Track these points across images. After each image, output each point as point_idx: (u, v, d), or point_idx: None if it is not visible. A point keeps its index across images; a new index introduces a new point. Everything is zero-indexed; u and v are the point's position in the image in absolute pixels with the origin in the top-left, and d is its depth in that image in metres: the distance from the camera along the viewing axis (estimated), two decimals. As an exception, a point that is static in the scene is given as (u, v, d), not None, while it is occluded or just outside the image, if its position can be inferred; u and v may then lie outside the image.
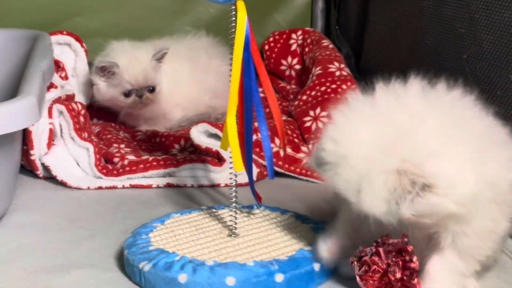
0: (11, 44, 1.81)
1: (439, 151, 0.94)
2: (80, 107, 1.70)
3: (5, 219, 1.40)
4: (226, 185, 1.57)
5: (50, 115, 1.61)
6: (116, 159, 1.64)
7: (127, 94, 1.83)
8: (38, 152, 1.59)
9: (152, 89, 1.85)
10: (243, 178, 1.60)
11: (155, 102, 1.87)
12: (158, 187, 1.60)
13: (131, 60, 1.82)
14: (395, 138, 0.96)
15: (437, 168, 0.92)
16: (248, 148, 1.23)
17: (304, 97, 1.81)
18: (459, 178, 0.93)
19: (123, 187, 1.59)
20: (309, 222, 1.28)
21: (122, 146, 1.74)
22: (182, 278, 1.11)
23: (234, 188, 1.25)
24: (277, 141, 1.62)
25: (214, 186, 1.59)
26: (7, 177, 1.35)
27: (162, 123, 1.93)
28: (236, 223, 1.24)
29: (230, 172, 1.25)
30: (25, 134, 1.57)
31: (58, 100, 1.65)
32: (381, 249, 1.04)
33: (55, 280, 1.17)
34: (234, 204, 1.25)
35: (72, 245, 1.30)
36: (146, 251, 1.18)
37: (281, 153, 1.60)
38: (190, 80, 1.91)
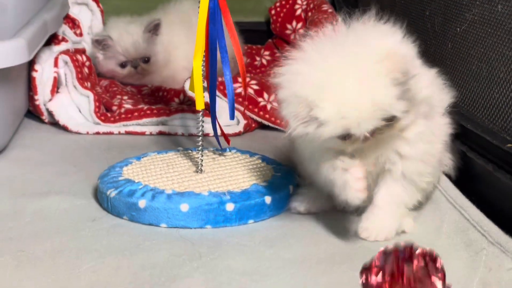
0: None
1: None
2: (85, 59, 1.82)
3: (4, 154, 1.54)
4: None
5: (55, 64, 1.74)
6: (114, 107, 1.76)
7: (122, 65, 1.95)
8: (42, 98, 1.72)
9: (147, 60, 1.96)
10: (232, 129, 1.71)
11: (153, 72, 1.98)
12: (151, 134, 1.71)
13: (123, 33, 1.96)
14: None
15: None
16: (212, 88, 1.33)
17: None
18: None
19: (119, 133, 1.71)
20: (273, 163, 1.37)
21: (125, 98, 1.86)
22: (142, 203, 1.22)
23: (201, 127, 1.35)
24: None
25: (204, 135, 1.69)
26: (1, 115, 1.48)
27: (173, 86, 2.04)
28: (202, 160, 1.34)
29: (198, 113, 1.35)
30: (30, 81, 1.70)
31: (66, 52, 1.78)
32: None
33: (32, 203, 1.29)
34: (201, 142, 1.35)
35: (58, 177, 1.43)
36: (116, 181, 1.29)
37: (247, 92, 1.69)
38: (187, 43, 2.01)
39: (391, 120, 1.04)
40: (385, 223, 1.13)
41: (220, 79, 1.67)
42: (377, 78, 1.01)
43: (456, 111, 1.15)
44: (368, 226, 1.13)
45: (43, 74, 1.72)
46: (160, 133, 1.71)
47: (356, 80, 1.01)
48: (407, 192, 1.14)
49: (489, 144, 1.16)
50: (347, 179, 1.08)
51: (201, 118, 1.35)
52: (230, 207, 1.21)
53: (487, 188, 1.06)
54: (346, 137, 1.05)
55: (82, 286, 1.01)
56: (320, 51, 1.07)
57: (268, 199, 1.24)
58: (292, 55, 1.09)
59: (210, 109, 1.35)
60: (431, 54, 1.41)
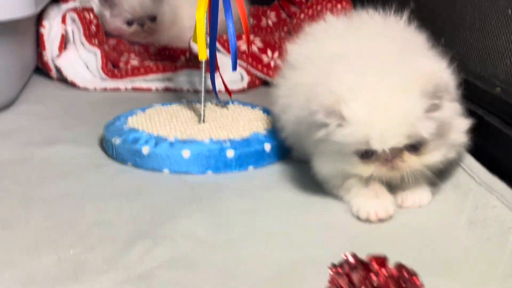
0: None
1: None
2: (92, 17, 1.86)
3: (12, 108, 1.58)
4: (219, 91, 1.70)
5: (63, 21, 1.78)
6: (121, 64, 1.80)
7: (129, 23, 1.98)
8: (50, 54, 1.76)
9: (153, 19, 1.99)
10: (236, 85, 1.74)
11: (160, 31, 2.01)
12: (157, 90, 1.75)
13: None
14: None
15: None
16: (212, 43, 1.36)
17: (302, 16, 1.92)
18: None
19: (126, 89, 1.75)
20: (274, 114, 1.41)
21: (132, 55, 1.89)
22: (145, 150, 1.26)
23: (203, 80, 1.39)
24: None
25: (209, 91, 1.73)
26: (9, 68, 1.52)
27: (179, 45, 2.07)
28: (204, 111, 1.38)
29: (201, 64, 1.38)
30: (38, 37, 1.74)
31: (73, 10, 1.81)
32: (355, 275, 0.80)
33: (40, 151, 1.34)
34: (203, 94, 1.39)
35: (65, 129, 1.47)
36: (120, 129, 1.33)
37: (250, 49, 1.73)
38: (193, 3, 2.02)
39: (417, 145, 1.01)
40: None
41: (225, 36, 1.70)
42: (409, 89, 0.99)
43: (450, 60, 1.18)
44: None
45: (51, 31, 1.76)
46: (166, 89, 1.75)
47: (390, 88, 1.00)
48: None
49: (480, 90, 1.19)
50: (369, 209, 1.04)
51: (203, 70, 1.39)
52: (230, 153, 1.25)
53: (478, 132, 1.09)
54: (364, 154, 1.02)
55: (87, 223, 1.06)
56: (361, 56, 1.06)
57: (267, 147, 1.28)
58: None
59: (210, 64, 1.38)
60: (428, 8, 1.43)
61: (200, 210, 1.10)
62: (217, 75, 1.43)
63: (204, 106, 1.38)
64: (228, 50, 1.70)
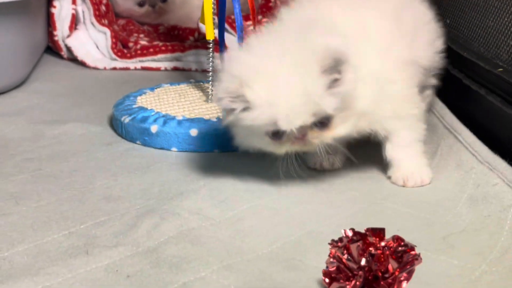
0: None
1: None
2: (102, -4, 1.88)
3: (24, 86, 1.61)
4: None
5: (73, 1, 1.80)
6: (131, 44, 1.82)
7: (141, 4, 1.99)
8: (61, 34, 1.79)
9: None
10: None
11: (170, 12, 2.02)
12: (166, 69, 1.77)
13: None
14: None
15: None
16: (221, 24, 1.38)
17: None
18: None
19: (135, 69, 1.78)
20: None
21: (141, 35, 1.92)
22: (154, 128, 1.29)
23: (211, 59, 1.41)
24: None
25: (216, 71, 1.75)
26: (21, 48, 1.54)
27: (188, 25, 2.09)
28: (212, 91, 1.40)
29: (209, 44, 1.40)
30: (49, 17, 1.77)
31: (83, -10, 1.83)
32: (353, 246, 0.82)
33: (50, 129, 1.36)
34: (211, 73, 1.41)
35: (75, 108, 1.49)
36: (130, 108, 1.36)
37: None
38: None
39: (325, 121, 1.02)
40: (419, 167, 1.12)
41: (232, 16, 1.72)
42: (309, 68, 0.99)
43: (454, 41, 1.20)
44: (406, 174, 1.12)
45: (62, 11, 1.78)
46: (175, 69, 1.77)
47: (290, 68, 0.99)
48: (410, 130, 1.12)
49: (482, 69, 1.20)
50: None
51: (211, 50, 1.41)
52: (237, 132, 1.27)
53: (480, 111, 1.11)
54: (274, 134, 1.03)
55: (97, 199, 1.09)
56: (263, 40, 1.06)
57: (273, 126, 1.30)
58: (237, 47, 1.11)
59: (219, 43, 1.40)
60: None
61: (207, 187, 1.12)
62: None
63: (212, 85, 1.40)
64: (234, 29, 1.71)
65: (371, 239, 0.81)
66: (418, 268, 0.82)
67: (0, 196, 1.09)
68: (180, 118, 1.30)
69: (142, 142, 1.30)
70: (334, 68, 0.99)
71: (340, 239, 0.82)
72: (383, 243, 0.81)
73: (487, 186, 1.04)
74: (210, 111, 1.34)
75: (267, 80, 0.99)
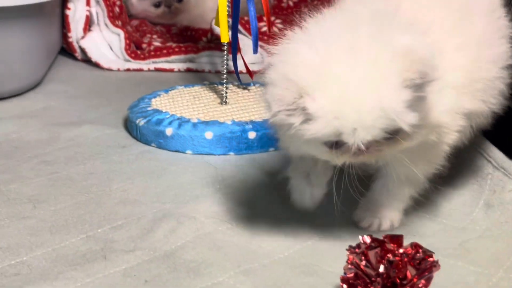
0: None
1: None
2: (116, -2, 1.89)
3: (39, 87, 1.62)
4: (241, 72, 1.72)
5: (87, 3, 1.80)
6: (144, 45, 1.83)
7: (157, 5, 2.00)
8: (75, 35, 1.80)
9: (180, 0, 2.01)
10: (257, 67, 1.76)
11: (185, 12, 2.02)
12: (179, 71, 1.78)
13: None
14: None
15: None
16: (234, 26, 1.38)
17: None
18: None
19: (149, 70, 1.78)
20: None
21: (154, 36, 1.92)
22: (169, 131, 1.29)
23: (225, 61, 1.41)
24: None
25: (231, 72, 1.75)
26: (36, 50, 1.55)
27: (201, 26, 2.10)
28: (226, 93, 1.41)
29: (223, 46, 1.41)
30: (63, 19, 1.78)
31: (97, -8, 1.84)
32: (371, 252, 0.82)
33: (66, 131, 1.37)
34: (225, 76, 1.41)
35: (90, 109, 1.50)
36: (144, 111, 1.36)
37: (271, 30, 1.74)
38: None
39: (395, 135, 0.86)
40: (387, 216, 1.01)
41: (246, 18, 1.73)
42: (388, 78, 0.83)
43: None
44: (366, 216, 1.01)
45: (76, 13, 1.79)
46: (188, 70, 1.78)
47: (363, 75, 0.83)
48: (413, 187, 0.99)
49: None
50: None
51: (225, 53, 1.41)
52: (252, 135, 1.28)
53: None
54: (334, 145, 0.87)
55: (113, 202, 1.09)
56: (327, 33, 0.87)
57: (288, 129, 1.30)
58: (292, 35, 0.89)
59: (232, 45, 1.41)
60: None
61: (222, 191, 1.13)
62: (238, 57, 1.45)
63: (226, 88, 1.41)
64: (249, 32, 1.72)
65: (389, 246, 0.82)
66: (435, 274, 0.83)
67: (18, 199, 1.10)
68: (195, 121, 1.30)
69: (157, 144, 1.31)
70: (419, 84, 0.83)
71: (358, 245, 0.83)
72: (401, 250, 0.81)
73: (503, 192, 1.04)
74: (224, 114, 1.34)
75: (334, 87, 0.83)
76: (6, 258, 0.94)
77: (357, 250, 0.83)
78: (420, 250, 0.82)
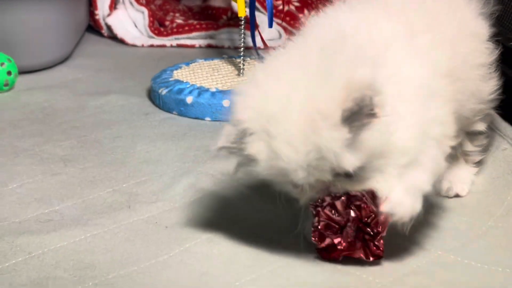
0: None
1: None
2: (140, -23, 1.98)
3: (68, 61, 1.72)
4: (259, 48, 1.81)
5: (113, -18, 1.90)
6: (167, 23, 1.92)
7: None
8: (102, 13, 1.89)
9: None
10: (275, 43, 1.84)
11: None
12: (200, 47, 1.87)
13: None
14: None
15: None
16: (252, 2, 1.47)
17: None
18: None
19: (171, 46, 1.88)
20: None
21: (177, 14, 2.01)
22: (189, 99, 1.38)
23: (242, 36, 1.50)
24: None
25: (248, 48, 1.84)
26: (65, 26, 1.66)
27: (221, 4, 2.17)
28: (243, 65, 1.49)
29: (240, 21, 1.49)
30: (91, -3, 1.88)
31: (122, -29, 1.93)
32: (338, 202, 0.85)
33: (93, 100, 1.47)
34: (242, 48, 1.50)
35: (115, 81, 1.60)
36: (166, 81, 1.46)
37: (285, 8, 1.83)
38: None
39: (349, 174, 0.81)
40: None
41: (262, -4, 1.81)
42: (326, 115, 0.77)
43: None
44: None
45: (102, -9, 1.89)
46: (209, 46, 1.87)
47: (300, 114, 0.78)
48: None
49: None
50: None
51: (242, 27, 1.50)
52: (266, 103, 1.36)
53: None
54: (293, 184, 0.83)
55: (137, 161, 1.19)
56: (275, 70, 0.84)
57: (301, 97, 1.39)
58: (256, 69, 0.88)
59: (250, 21, 1.49)
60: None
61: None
62: (256, 33, 1.54)
63: (243, 60, 1.49)
64: (265, 8, 1.80)
65: (353, 193, 0.85)
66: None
67: (50, 158, 1.20)
68: (214, 90, 1.39)
69: (178, 112, 1.40)
70: (359, 113, 0.77)
71: (322, 200, 0.86)
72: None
73: (497, 151, 1.12)
74: (241, 83, 1.43)
75: (271, 127, 0.79)
76: (40, 207, 1.03)
77: (323, 203, 0.86)
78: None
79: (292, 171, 0.80)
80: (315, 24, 0.92)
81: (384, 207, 0.82)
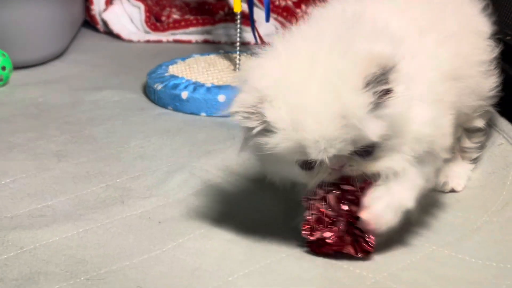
0: None
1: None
2: (136, -28, 1.97)
3: (63, 56, 1.71)
4: (255, 44, 1.80)
5: (109, -23, 1.90)
6: (163, 18, 1.92)
7: None
8: (98, 8, 1.89)
9: None
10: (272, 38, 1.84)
11: None
12: (196, 42, 1.86)
13: None
14: None
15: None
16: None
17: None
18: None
19: (167, 41, 1.87)
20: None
21: (173, 10, 2.00)
22: (184, 95, 1.38)
23: (238, 31, 1.49)
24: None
25: (244, 43, 1.83)
26: (61, 21, 1.65)
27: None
28: (240, 60, 1.49)
29: (236, 16, 1.49)
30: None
31: (118, -33, 1.93)
32: (331, 196, 0.85)
33: (88, 96, 1.47)
34: (238, 43, 1.49)
35: (111, 76, 1.59)
36: (162, 76, 1.45)
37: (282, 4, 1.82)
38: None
39: (368, 150, 0.81)
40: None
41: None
42: (348, 82, 0.77)
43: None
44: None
45: (98, -14, 1.88)
46: (205, 41, 1.86)
47: (323, 81, 0.78)
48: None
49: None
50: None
51: (238, 22, 1.49)
52: (262, 98, 1.36)
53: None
54: (305, 164, 0.82)
55: (131, 157, 1.18)
56: (291, 45, 0.84)
57: (296, 93, 1.38)
58: (263, 52, 0.86)
59: (249, 15, 1.49)
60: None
61: (233, 147, 1.21)
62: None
63: (239, 55, 1.49)
64: (262, 3, 1.79)
65: (345, 187, 0.85)
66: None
67: (44, 154, 1.19)
68: (209, 85, 1.39)
69: (173, 107, 1.39)
70: (381, 79, 0.78)
71: (314, 193, 0.86)
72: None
73: (493, 146, 1.12)
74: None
75: (293, 97, 0.79)
76: (33, 202, 1.03)
77: (316, 197, 0.86)
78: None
79: (312, 142, 0.78)
80: (325, 10, 0.92)
81: (363, 215, 0.84)
